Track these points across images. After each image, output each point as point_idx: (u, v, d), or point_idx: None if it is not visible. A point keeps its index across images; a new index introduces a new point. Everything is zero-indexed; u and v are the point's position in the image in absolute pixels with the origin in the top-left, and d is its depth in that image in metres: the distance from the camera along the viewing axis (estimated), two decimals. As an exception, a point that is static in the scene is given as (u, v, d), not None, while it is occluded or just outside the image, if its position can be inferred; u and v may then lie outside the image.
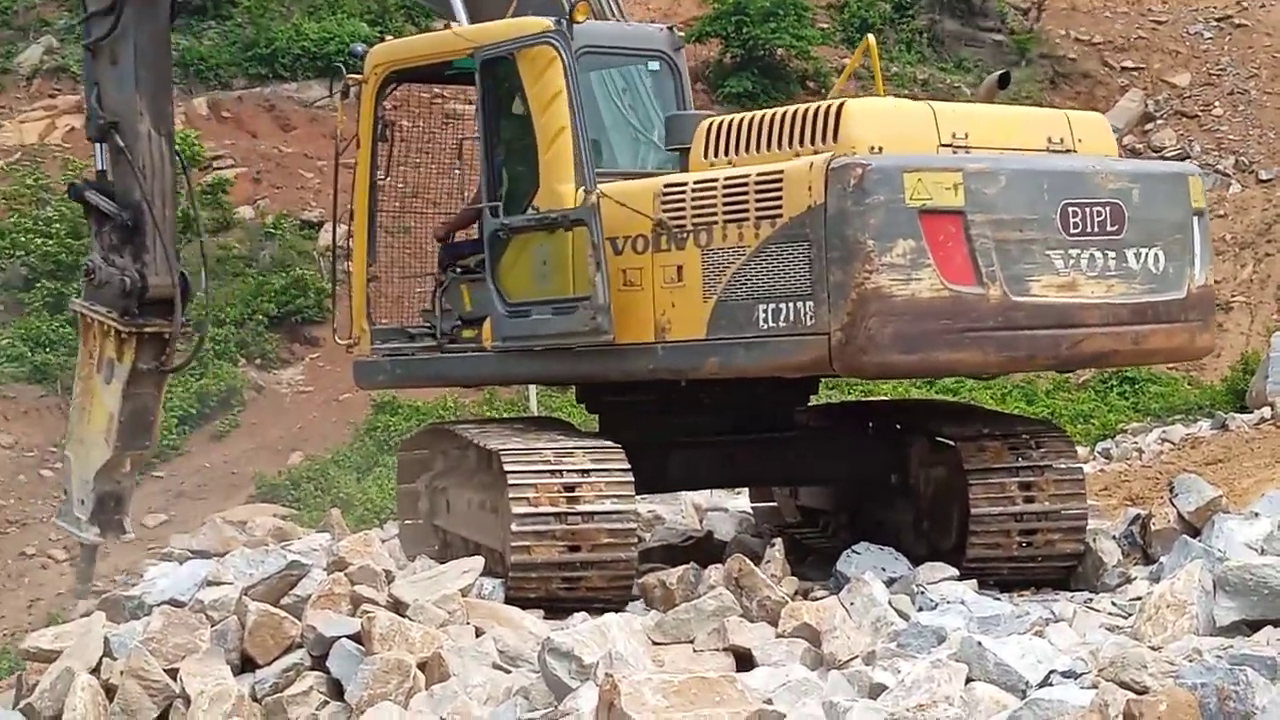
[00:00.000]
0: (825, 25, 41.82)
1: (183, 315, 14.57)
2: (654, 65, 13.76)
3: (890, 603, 10.78)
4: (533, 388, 26.04)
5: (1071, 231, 11.33)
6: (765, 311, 11.21)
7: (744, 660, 10.27)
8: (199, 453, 31.60)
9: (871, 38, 12.57)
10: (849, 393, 24.33)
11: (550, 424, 13.60)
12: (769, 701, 8.54)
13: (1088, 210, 11.40)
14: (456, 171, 15.11)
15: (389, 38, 14.12)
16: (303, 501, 27.27)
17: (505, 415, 25.33)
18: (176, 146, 14.83)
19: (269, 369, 33.84)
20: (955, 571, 11.64)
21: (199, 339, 15.40)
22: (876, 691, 9.03)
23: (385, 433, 29.12)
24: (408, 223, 15.15)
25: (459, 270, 13.45)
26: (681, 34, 14.35)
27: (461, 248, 13.66)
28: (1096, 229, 11.42)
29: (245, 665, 11.11)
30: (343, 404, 31.77)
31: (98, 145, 14.72)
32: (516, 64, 12.42)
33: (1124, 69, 41.85)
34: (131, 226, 14.19)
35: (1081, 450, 20.81)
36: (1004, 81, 12.94)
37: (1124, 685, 8.32)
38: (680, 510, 15.97)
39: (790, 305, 11.10)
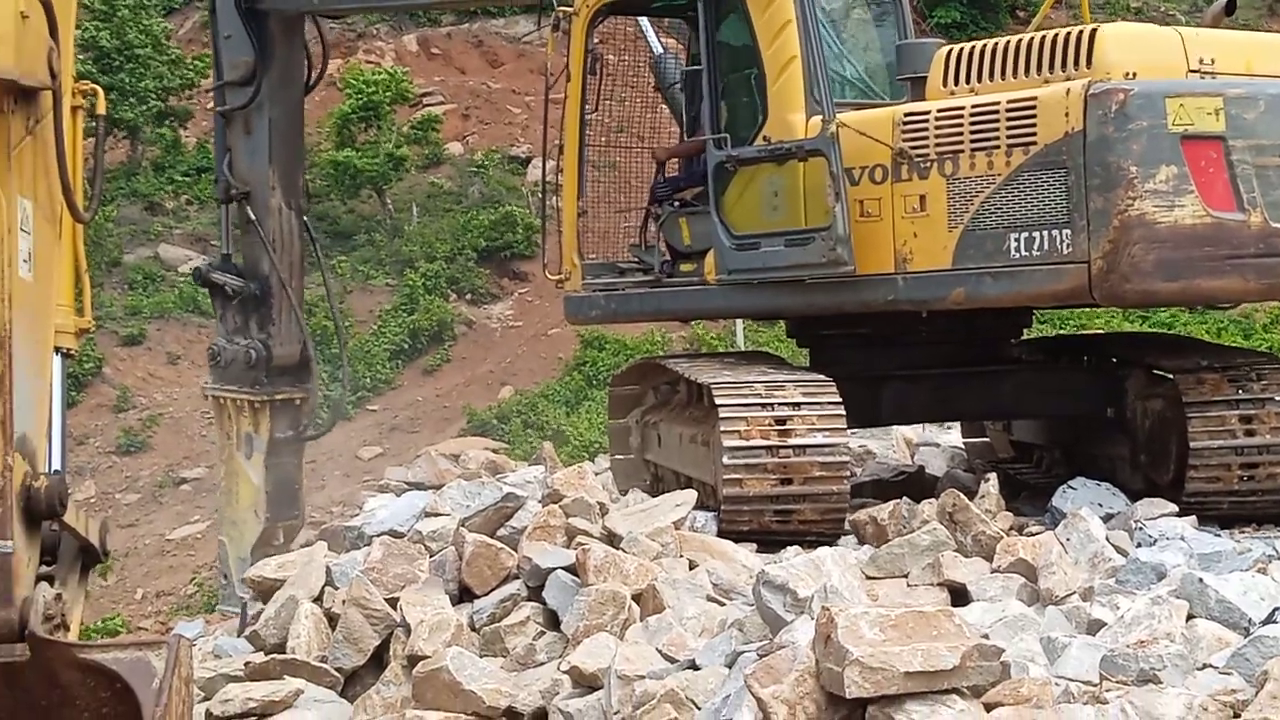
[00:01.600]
0: (1035, -47, 41.11)
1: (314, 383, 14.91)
2: None
3: (1107, 538, 10.64)
4: (739, 322, 26.00)
5: None
6: (1017, 240, 11.07)
7: (958, 595, 10.21)
8: (411, 386, 32.07)
9: None
10: (1061, 326, 24.02)
11: (760, 358, 13.54)
12: (986, 636, 8.49)
13: None
14: (662, 105, 15.06)
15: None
16: (512, 435, 27.54)
17: (714, 350, 25.38)
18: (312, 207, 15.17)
19: (479, 304, 34.19)
20: (1174, 507, 11.43)
21: (337, 407, 15.70)
22: (1095, 628, 8.95)
23: (593, 367, 29.29)
24: (613, 158, 15.14)
25: (676, 204, 13.41)
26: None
27: (677, 181, 13.58)
28: None
29: (463, 595, 11.27)
30: (551, 339, 32.00)
31: (223, 217, 15.09)
32: None
33: (1346, -7, 40.63)
34: (259, 297, 14.44)
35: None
36: (1230, 8, 12.61)
37: (1351, 623, 8.17)
38: (891, 445, 15.88)
39: (1045, 233, 10.95)
